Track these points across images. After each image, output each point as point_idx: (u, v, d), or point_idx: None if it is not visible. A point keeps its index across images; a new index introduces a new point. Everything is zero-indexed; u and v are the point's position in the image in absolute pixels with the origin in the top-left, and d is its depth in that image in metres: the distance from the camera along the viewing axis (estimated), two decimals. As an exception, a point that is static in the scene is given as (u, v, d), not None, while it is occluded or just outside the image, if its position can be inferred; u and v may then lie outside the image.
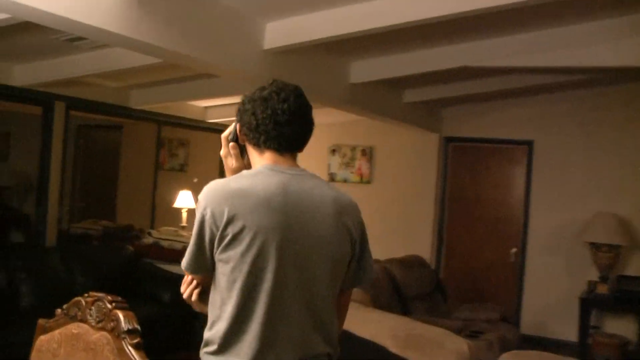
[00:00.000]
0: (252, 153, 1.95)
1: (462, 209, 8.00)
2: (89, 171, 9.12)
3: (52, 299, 5.26)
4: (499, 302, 7.06)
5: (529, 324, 7.41)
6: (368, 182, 8.13)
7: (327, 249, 1.82)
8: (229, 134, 2.01)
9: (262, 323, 1.74)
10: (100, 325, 1.83)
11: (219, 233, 1.75)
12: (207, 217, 1.76)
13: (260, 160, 1.90)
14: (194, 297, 1.90)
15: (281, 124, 1.85)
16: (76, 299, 1.72)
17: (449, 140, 7.97)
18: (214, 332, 1.79)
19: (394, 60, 5.39)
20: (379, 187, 8.08)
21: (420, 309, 5.77)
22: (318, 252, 1.81)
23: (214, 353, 1.79)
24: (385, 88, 6.40)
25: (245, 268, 1.74)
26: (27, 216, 6.58)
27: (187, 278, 1.94)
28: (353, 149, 8.22)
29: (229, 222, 1.73)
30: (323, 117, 8.17)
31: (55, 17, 2.97)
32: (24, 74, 5.56)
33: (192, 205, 8.05)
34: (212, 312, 1.83)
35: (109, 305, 1.81)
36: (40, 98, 5.88)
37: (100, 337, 1.83)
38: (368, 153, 8.14)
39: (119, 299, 1.84)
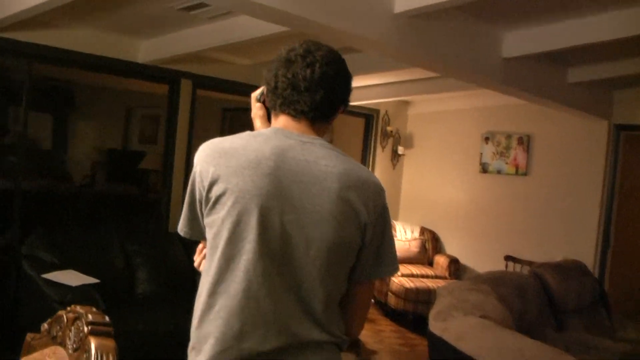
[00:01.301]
0: (272, 115, 1.78)
1: (634, 208, 6.88)
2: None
3: (167, 288, 5.11)
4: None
5: None
6: (524, 174, 7.26)
7: (325, 227, 1.59)
8: (258, 94, 1.87)
9: (240, 299, 1.57)
10: (75, 354, 1.38)
11: (205, 194, 1.63)
12: (197, 176, 1.66)
13: (275, 124, 1.75)
14: (201, 268, 1.74)
15: (300, 90, 1.67)
16: (59, 313, 1.33)
17: (620, 128, 6.85)
18: (196, 303, 1.66)
19: (557, 29, 4.46)
20: (537, 180, 7.18)
21: (577, 326, 4.87)
22: (311, 229, 1.59)
23: (194, 328, 1.65)
24: (546, 65, 5.49)
25: (225, 234, 1.59)
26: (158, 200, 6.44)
27: (200, 246, 1.82)
28: (508, 137, 7.38)
29: (213, 183, 1.61)
30: (474, 100, 7.47)
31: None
32: (148, 51, 5.43)
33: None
34: (199, 287, 1.67)
35: (85, 329, 1.38)
36: (166, 76, 5.67)
37: None
38: (525, 142, 7.25)
39: (101, 319, 1.44)
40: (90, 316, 1.25)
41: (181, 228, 1.78)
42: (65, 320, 1.32)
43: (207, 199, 1.63)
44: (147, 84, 6.26)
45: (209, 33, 4.76)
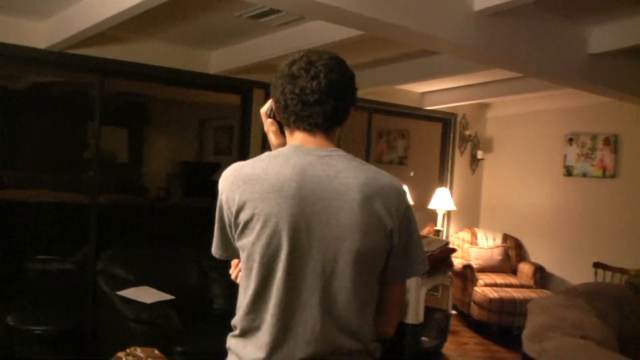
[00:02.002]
0: (286, 131, 1.80)
1: None
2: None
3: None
4: None
5: None
6: (612, 176, 6.85)
7: (350, 239, 1.62)
8: (267, 109, 1.88)
9: (275, 314, 1.65)
10: None
11: (233, 220, 1.69)
12: (223, 203, 1.72)
13: (291, 140, 1.77)
14: (238, 280, 1.83)
15: (310, 103, 1.68)
16: (118, 355, 1.21)
17: None
18: (237, 317, 1.75)
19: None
20: (626, 183, 6.76)
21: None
22: (338, 243, 1.62)
23: (236, 336, 1.75)
24: (636, 60, 5.15)
25: (257, 258, 1.66)
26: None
27: (235, 261, 1.89)
28: (594, 137, 6.98)
29: (240, 209, 1.66)
30: (556, 100, 7.12)
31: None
32: (219, 61, 5.38)
33: (409, 201, 7.40)
34: (239, 296, 1.76)
35: None
36: (238, 86, 5.59)
37: None
38: (612, 142, 6.84)
39: None
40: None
41: (215, 250, 1.85)
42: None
43: (236, 224, 1.68)
44: (220, 95, 6.21)
45: (279, 40, 4.65)
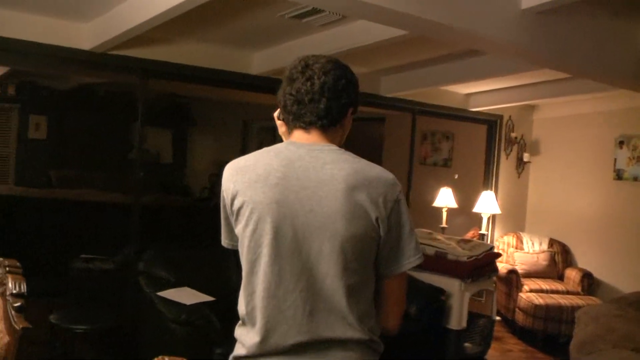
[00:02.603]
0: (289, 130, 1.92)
1: None
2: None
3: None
4: None
5: None
6: (666, 181, 6.64)
7: (333, 226, 1.72)
8: (277, 112, 1.98)
9: (264, 298, 1.76)
10: None
11: (229, 208, 1.84)
12: (223, 193, 1.87)
13: (291, 138, 1.89)
14: None
15: (305, 103, 1.81)
16: None
17: None
18: (238, 306, 1.87)
19: None
20: (682, 188, 6.55)
21: None
22: (321, 230, 1.73)
23: (240, 325, 1.88)
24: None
25: (246, 243, 1.79)
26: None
27: None
28: (647, 140, 6.77)
29: (233, 198, 1.81)
30: (606, 102, 6.94)
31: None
32: (261, 62, 5.39)
33: (453, 204, 7.32)
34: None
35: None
36: (275, 86, 5.55)
37: None
38: (667, 145, 6.63)
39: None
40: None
41: (223, 240, 2.00)
42: None
43: (232, 212, 1.84)
44: (262, 95, 6.16)
45: (322, 41, 4.61)
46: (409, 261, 1.82)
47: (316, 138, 1.84)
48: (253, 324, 1.79)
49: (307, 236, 1.73)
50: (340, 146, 1.88)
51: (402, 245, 1.81)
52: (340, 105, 1.83)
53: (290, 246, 1.74)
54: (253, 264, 1.78)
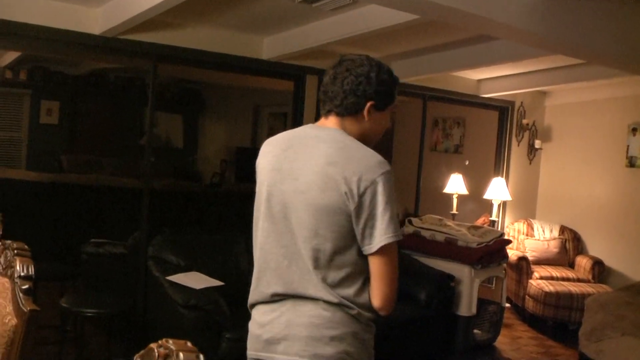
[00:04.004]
0: None
1: None
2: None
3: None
4: None
5: None
6: (678, 168, 6.59)
7: (310, 194, 1.96)
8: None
9: (258, 250, 2.10)
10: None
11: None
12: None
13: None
14: None
15: (328, 95, 2.09)
16: (150, 346, 1.27)
17: None
18: None
19: None
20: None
21: None
22: (302, 196, 1.97)
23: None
24: None
25: (255, 203, 2.14)
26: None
27: None
28: (660, 127, 6.71)
29: (257, 166, 2.18)
30: (620, 88, 6.89)
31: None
32: (272, 47, 5.34)
33: (463, 190, 7.29)
34: None
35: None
36: (291, 72, 5.54)
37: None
38: (681, 132, 6.58)
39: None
40: (181, 355, 1.17)
41: None
42: (157, 355, 1.23)
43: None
44: (273, 80, 6.18)
45: (333, 26, 4.57)
46: (379, 240, 1.93)
47: (332, 124, 2.09)
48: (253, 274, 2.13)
49: (291, 200, 2.00)
50: (374, 142, 2.14)
51: (374, 224, 1.93)
52: (355, 97, 2.04)
53: (277, 207, 2.03)
54: (256, 221, 2.12)
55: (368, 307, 2.01)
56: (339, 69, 2.07)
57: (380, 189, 1.92)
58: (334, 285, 1.98)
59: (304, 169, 1.99)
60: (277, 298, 2.04)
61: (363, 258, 1.99)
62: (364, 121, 2.07)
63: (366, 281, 2.01)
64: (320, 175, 1.96)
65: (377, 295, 2.00)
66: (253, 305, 2.14)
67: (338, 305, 1.98)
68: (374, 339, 2.12)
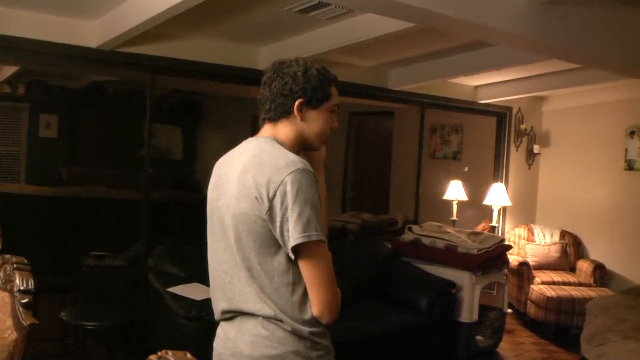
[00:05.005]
0: None
1: None
2: (362, 160, 8.92)
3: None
4: None
5: None
6: (678, 171, 6.59)
7: (230, 205, 1.97)
8: None
9: (209, 267, 2.11)
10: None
11: None
12: None
13: None
14: None
15: (257, 101, 2.11)
16: (150, 357, 1.21)
17: None
18: None
19: None
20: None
21: None
22: (227, 208, 1.98)
23: None
24: None
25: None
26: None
27: None
28: (658, 130, 6.72)
29: None
30: (617, 92, 6.91)
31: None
32: (268, 57, 5.40)
33: (463, 197, 7.29)
34: None
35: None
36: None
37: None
38: (678, 135, 6.58)
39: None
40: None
41: None
42: None
43: None
44: (270, 90, 6.16)
45: (329, 35, 4.59)
46: (291, 242, 1.85)
47: (264, 133, 2.08)
48: None
49: (224, 215, 1.99)
50: (317, 143, 2.11)
51: (288, 225, 1.86)
52: (283, 97, 2.02)
53: (217, 224, 2.03)
54: (207, 238, 2.12)
55: (309, 320, 1.93)
56: (269, 74, 2.07)
57: (288, 188, 1.85)
58: (270, 296, 1.92)
59: (228, 183, 1.99)
60: (227, 315, 2.01)
61: (297, 266, 1.91)
62: (298, 122, 2.04)
63: (307, 292, 1.93)
64: (236, 185, 1.95)
65: (312, 302, 1.92)
66: (218, 322, 2.11)
67: (275, 320, 1.91)
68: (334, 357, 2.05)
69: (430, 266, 5.75)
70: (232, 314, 1.99)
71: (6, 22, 4.33)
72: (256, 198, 1.88)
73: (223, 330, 2.05)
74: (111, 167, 9.50)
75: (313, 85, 2.02)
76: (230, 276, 1.97)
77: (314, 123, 2.06)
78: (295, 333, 1.92)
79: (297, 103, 2.01)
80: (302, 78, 2.01)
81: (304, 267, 1.90)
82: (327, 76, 2.07)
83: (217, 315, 2.07)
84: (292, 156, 1.93)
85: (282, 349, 1.91)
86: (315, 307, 1.92)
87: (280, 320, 1.91)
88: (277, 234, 1.88)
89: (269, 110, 2.04)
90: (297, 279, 1.92)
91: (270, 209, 1.87)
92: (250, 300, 1.93)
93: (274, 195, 1.86)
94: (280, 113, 2.03)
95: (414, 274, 5.68)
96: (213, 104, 10.55)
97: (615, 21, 4.11)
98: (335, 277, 1.93)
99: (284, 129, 2.05)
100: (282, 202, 1.85)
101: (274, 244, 1.90)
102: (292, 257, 1.88)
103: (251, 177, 1.91)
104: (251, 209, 1.90)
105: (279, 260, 1.91)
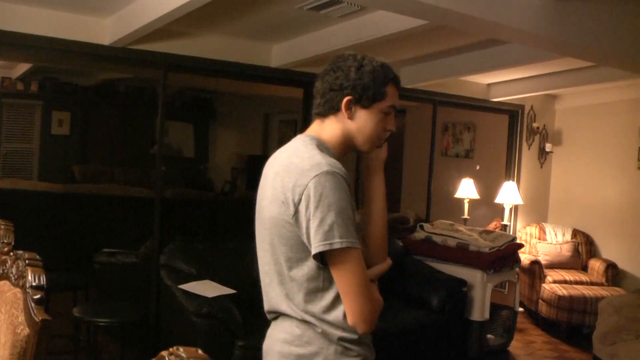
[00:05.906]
0: None
1: None
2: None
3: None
4: None
5: None
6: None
7: (265, 208, 1.93)
8: None
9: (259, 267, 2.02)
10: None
11: None
12: None
13: None
14: None
15: (315, 98, 2.01)
16: (162, 353, 1.20)
17: None
18: None
19: None
20: None
21: None
22: (264, 211, 1.93)
23: None
24: None
25: None
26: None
27: None
28: (672, 129, 6.68)
29: None
30: (630, 90, 6.87)
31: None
32: (280, 54, 5.35)
33: (474, 195, 7.27)
34: None
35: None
36: (300, 79, 5.54)
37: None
38: (693, 134, 6.53)
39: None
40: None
41: None
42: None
43: None
44: (283, 88, 6.18)
45: (341, 32, 4.58)
46: (314, 247, 1.77)
47: (312, 129, 2.01)
48: None
49: (263, 216, 1.94)
50: (366, 146, 1.98)
51: (311, 231, 1.77)
52: (333, 92, 1.92)
53: (260, 227, 1.97)
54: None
55: (340, 325, 1.86)
56: (326, 68, 1.97)
57: (312, 193, 1.77)
58: (299, 301, 1.87)
59: (266, 185, 1.93)
60: (271, 315, 1.99)
61: (328, 271, 1.83)
62: (346, 120, 1.93)
63: (339, 297, 1.84)
64: (270, 187, 1.90)
65: (346, 311, 1.84)
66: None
67: (307, 322, 1.87)
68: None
69: (442, 264, 5.74)
70: (275, 314, 1.97)
71: (19, 19, 4.35)
72: (283, 202, 1.83)
73: (270, 329, 2.03)
74: (123, 165, 9.54)
75: (365, 82, 1.89)
76: (270, 277, 1.92)
77: (363, 123, 1.93)
78: (325, 336, 1.87)
79: (345, 100, 1.90)
80: (354, 74, 1.90)
81: (334, 275, 1.83)
82: (385, 74, 1.93)
83: (266, 314, 2.04)
84: (319, 158, 1.83)
85: (310, 349, 1.87)
86: (349, 317, 1.84)
87: (311, 323, 1.87)
88: (305, 239, 1.80)
89: (319, 105, 1.96)
90: (328, 285, 1.85)
91: (296, 214, 1.79)
92: (282, 302, 1.90)
93: (300, 199, 1.79)
94: (328, 109, 1.94)
95: (425, 272, 5.67)
96: (225, 102, 10.58)
97: (629, 19, 4.07)
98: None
99: (331, 127, 1.96)
100: (307, 208, 1.77)
101: (304, 249, 1.82)
102: (319, 264, 1.81)
103: (280, 179, 1.85)
104: (279, 213, 1.84)
105: (309, 266, 1.84)
